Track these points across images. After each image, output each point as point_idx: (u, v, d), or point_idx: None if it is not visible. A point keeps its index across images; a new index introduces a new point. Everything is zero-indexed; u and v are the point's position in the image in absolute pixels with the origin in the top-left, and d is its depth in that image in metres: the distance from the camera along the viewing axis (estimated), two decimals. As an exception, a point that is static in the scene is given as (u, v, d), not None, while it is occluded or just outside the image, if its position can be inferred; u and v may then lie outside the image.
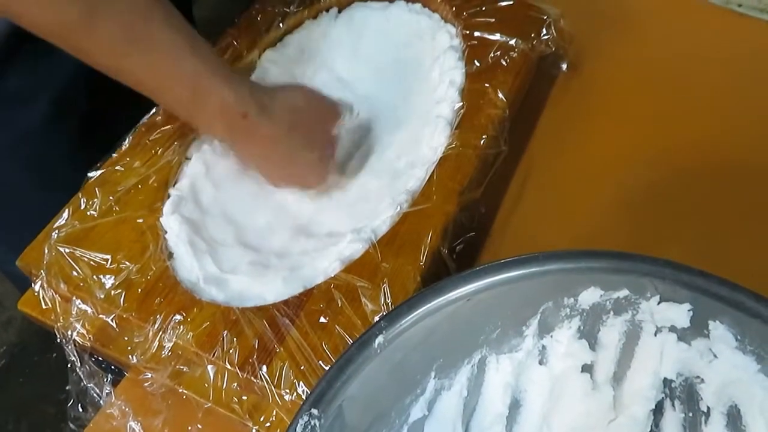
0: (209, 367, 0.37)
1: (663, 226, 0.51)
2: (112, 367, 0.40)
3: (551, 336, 0.38)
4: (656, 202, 0.52)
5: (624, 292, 0.36)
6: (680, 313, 0.35)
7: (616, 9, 0.64)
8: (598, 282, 0.36)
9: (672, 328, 0.36)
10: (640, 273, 0.36)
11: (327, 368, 0.36)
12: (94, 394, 0.38)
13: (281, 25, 0.54)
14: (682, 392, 0.37)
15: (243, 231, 0.45)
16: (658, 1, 0.66)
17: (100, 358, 0.40)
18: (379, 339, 0.33)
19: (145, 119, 0.47)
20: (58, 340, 0.39)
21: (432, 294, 0.35)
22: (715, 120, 0.57)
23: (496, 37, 0.51)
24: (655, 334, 0.37)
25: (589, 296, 0.37)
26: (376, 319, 0.38)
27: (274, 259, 0.44)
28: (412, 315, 0.34)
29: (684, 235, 0.50)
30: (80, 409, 0.39)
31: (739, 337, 0.34)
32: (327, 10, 0.57)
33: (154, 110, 0.47)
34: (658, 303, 0.36)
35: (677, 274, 0.35)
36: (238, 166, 0.48)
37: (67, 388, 0.39)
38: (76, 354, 0.38)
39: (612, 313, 0.37)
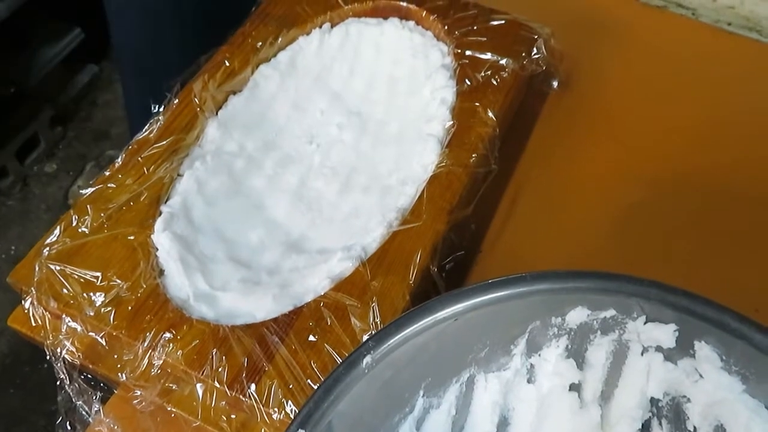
0: (198, 385, 0.37)
1: (653, 245, 0.51)
2: (102, 384, 0.40)
3: (539, 355, 0.39)
4: (646, 220, 0.53)
5: (611, 312, 0.37)
6: (666, 333, 0.36)
7: (606, 27, 0.65)
8: (586, 302, 0.37)
9: (658, 348, 0.36)
10: (627, 293, 0.36)
11: (315, 387, 0.36)
12: (83, 412, 0.38)
13: (274, 41, 0.54)
14: (669, 411, 0.37)
15: (235, 247, 0.45)
16: (649, 20, 0.67)
17: (89, 376, 0.40)
18: (367, 359, 0.33)
19: (138, 136, 0.47)
20: (48, 357, 0.39)
21: (420, 313, 0.35)
22: (705, 139, 0.57)
23: (488, 56, 0.51)
24: (642, 354, 0.37)
25: (577, 316, 0.37)
26: (365, 337, 0.38)
27: (264, 276, 0.44)
28: (400, 334, 0.34)
29: (674, 254, 0.51)
30: (69, 427, 0.39)
31: (724, 358, 0.34)
32: (320, 26, 0.57)
33: (147, 127, 0.48)
34: (645, 323, 0.36)
35: (663, 294, 0.35)
36: (230, 183, 0.48)
37: (57, 402, 0.39)
38: (65, 371, 0.38)
39: (599, 332, 0.38)
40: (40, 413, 1.05)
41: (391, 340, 0.34)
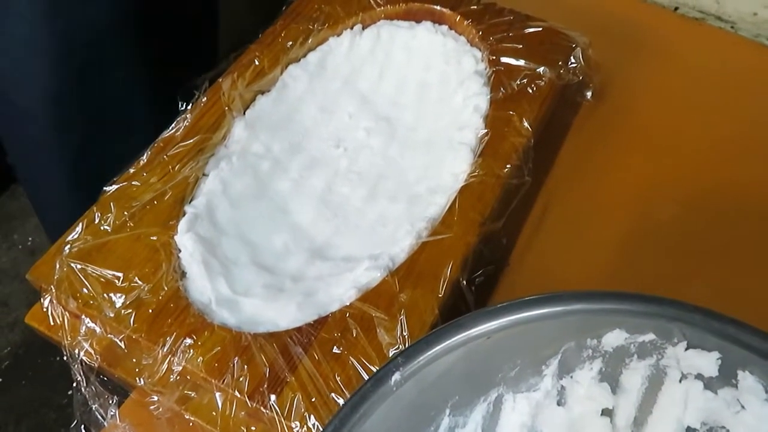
0: (217, 393, 0.36)
1: (688, 264, 0.50)
2: (119, 387, 0.39)
3: (571, 377, 0.37)
4: (681, 238, 0.51)
5: (650, 337, 0.35)
6: (708, 361, 0.34)
7: (642, 38, 0.63)
8: (624, 324, 0.35)
9: (698, 376, 0.35)
10: (668, 318, 0.34)
11: (341, 403, 0.35)
12: (99, 416, 0.37)
13: (305, 42, 0.53)
14: (706, 441, 0.36)
15: (259, 252, 0.44)
16: (686, 33, 0.65)
17: (105, 378, 0.39)
18: (396, 376, 0.32)
19: (164, 134, 0.46)
20: (65, 358, 0.38)
21: (451, 330, 0.34)
22: (742, 156, 0.56)
23: (523, 63, 0.50)
24: (680, 381, 0.36)
25: (614, 339, 0.35)
26: (392, 351, 0.37)
27: (288, 283, 0.43)
28: (430, 351, 0.33)
29: (711, 275, 0.49)
30: (83, 430, 0.38)
31: (769, 390, 0.33)
32: (351, 28, 0.56)
33: (173, 125, 0.47)
34: (686, 349, 0.35)
35: (707, 321, 0.34)
36: (256, 185, 0.47)
37: (69, 396, 0.38)
38: (82, 373, 0.37)
39: (636, 356, 0.36)
40: (51, 406, 1.04)
41: (421, 357, 0.33)
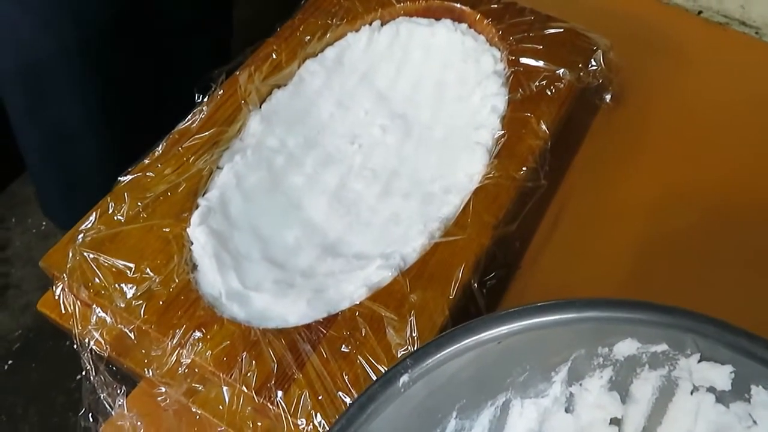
0: (225, 388, 0.36)
1: (704, 273, 0.49)
2: (126, 377, 0.39)
3: (580, 384, 0.37)
4: (698, 246, 0.50)
5: (663, 347, 0.35)
6: (721, 375, 0.34)
7: (664, 42, 0.62)
8: (636, 334, 0.35)
9: (710, 389, 0.34)
10: (682, 328, 0.34)
11: (348, 402, 0.35)
12: (107, 405, 0.38)
13: (323, 36, 0.53)
14: (716, 456, 0.35)
15: (270, 246, 0.44)
16: (710, 37, 0.64)
17: (114, 368, 0.39)
18: (404, 378, 0.32)
19: (180, 126, 0.46)
20: (75, 347, 0.38)
21: (462, 334, 0.33)
22: (765, 164, 0.55)
23: (543, 65, 0.49)
24: (692, 393, 0.35)
25: (626, 348, 0.35)
26: (401, 352, 0.37)
27: (299, 279, 0.42)
28: (439, 354, 0.33)
29: (724, 286, 0.48)
30: (91, 419, 0.38)
31: (783, 406, 0.32)
32: (370, 24, 0.56)
33: (189, 117, 0.47)
34: (699, 361, 0.34)
35: (721, 333, 0.33)
36: (270, 179, 0.47)
37: (77, 381, 0.38)
38: (91, 362, 0.38)
39: (647, 366, 0.36)
40: (60, 390, 1.05)
41: (430, 360, 0.33)
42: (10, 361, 1.10)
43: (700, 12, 0.67)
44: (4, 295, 1.17)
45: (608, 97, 0.56)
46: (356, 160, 0.50)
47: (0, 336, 1.13)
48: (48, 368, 1.08)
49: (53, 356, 1.10)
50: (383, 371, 0.36)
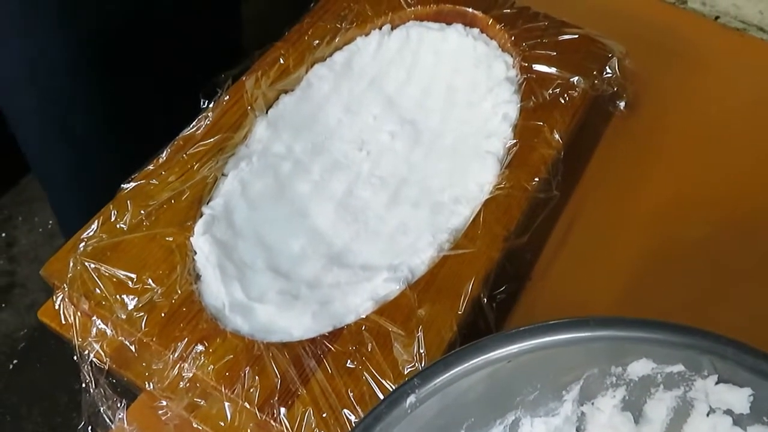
0: (226, 403, 0.35)
1: (718, 288, 0.48)
2: (127, 390, 0.39)
3: (592, 403, 0.36)
4: (712, 259, 0.49)
5: (679, 368, 0.33)
6: (740, 397, 0.33)
7: (682, 47, 0.61)
8: (652, 354, 0.34)
9: (728, 411, 0.33)
10: (700, 350, 0.33)
11: (353, 420, 0.34)
12: (107, 418, 0.37)
13: (331, 41, 0.52)
14: (732, 479, 0.34)
15: (275, 255, 0.43)
16: (727, 43, 0.62)
17: (114, 380, 0.38)
18: (411, 398, 0.31)
19: (184, 132, 0.45)
20: (75, 359, 0.38)
21: (471, 353, 0.32)
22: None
23: (556, 72, 0.48)
24: (708, 415, 0.34)
25: (640, 368, 0.34)
26: (408, 369, 0.36)
27: (304, 290, 0.41)
28: (448, 374, 0.32)
29: (744, 300, 0.47)
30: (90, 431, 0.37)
31: (804, 432, 0.31)
32: (380, 28, 0.55)
33: (194, 123, 0.46)
34: (716, 383, 0.33)
35: (741, 355, 0.32)
36: (275, 186, 0.46)
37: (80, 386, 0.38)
38: (91, 375, 0.37)
39: (662, 386, 0.35)
40: (63, 390, 1.05)
41: (438, 380, 0.32)
42: (15, 361, 1.10)
43: (717, 17, 0.66)
44: (9, 293, 1.17)
45: (622, 104, 0.55)
46: (364, 167, 0.49)
47: (5, 335, 1.13)
48: (52, 368, 1.08)
49: (58, 356, 1.10)
50: (390, 388, 0.36)
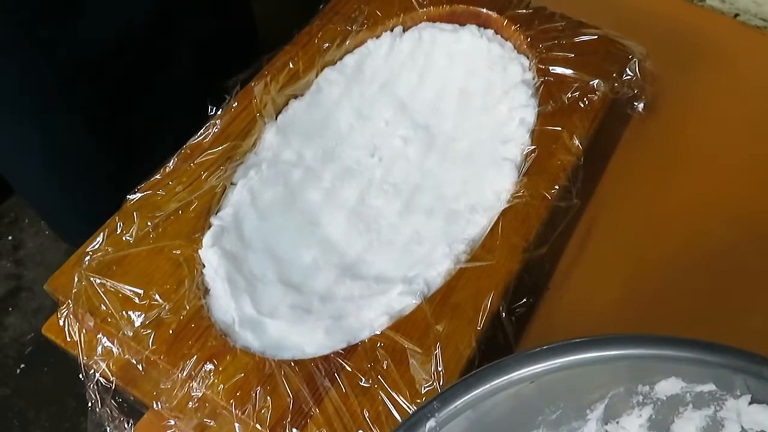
0: (237, 424, 0.34)
1: (743, 295, 0.46)
2: (134, 408, 0.37)
3: (617, 422, 0.34)
4: (735, 265, 0.48)
5: (709, 387, 0.32)
6: (775, 419, 0.31)
7: (701, 46, 0.59)
8: (681, 373, 0.32)
9: (761, 432, 0.32)
10: (732, 369, 0.31)
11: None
12: (114, 438, 0.36)
13: (342, 43, 0.51)
14: (765, 503, 0.33)
15: (286, 268, 0.42)
16: (747, 42, 0.61)
17: (120, 399, 0.37)
18: (431, 422, 0.30)
19: (191, 140, 0.44)
20: (80, 377, 0.36)
21: (492, 373, 0.31)
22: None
23: (575, 74, 0.47)
24: (740, 435, 0.33)
25: (669, 387, 0.33)
26: (425, 388, 0.35)
27: (316, 303, 0.40)
28: (468, 396, 0.31)
29: (763, 308, 0.45)
30: (97, 453, 0.36)
31: (843, 457, 0.30)
32: (391, 29, 0.53)
33: (201, 131, 0.44)
34: (749, 403, 0.31)
35: (777, 375, 0.31)
36: (286, 195, 0.44)
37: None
38: (97, 394, 0.36)
39: (691, 405, 0.33)
40: (71, 394, 1.04)
41: (458, 402, 0.30)
42: (22, 365, 1.10)
43: (736, 15, 0.64)
44: (16, 297, 1.16)
45: (640, 106, 0.53)
46: (376, 174, 0.48)
47: (12, 339, 1.12)
48: (60, 372, 1.07)
49: (65, 360, 1.08)
50: (406, 408, 0.34)
